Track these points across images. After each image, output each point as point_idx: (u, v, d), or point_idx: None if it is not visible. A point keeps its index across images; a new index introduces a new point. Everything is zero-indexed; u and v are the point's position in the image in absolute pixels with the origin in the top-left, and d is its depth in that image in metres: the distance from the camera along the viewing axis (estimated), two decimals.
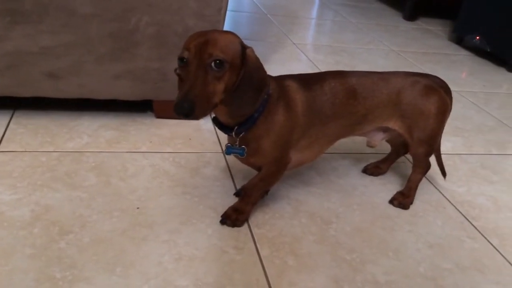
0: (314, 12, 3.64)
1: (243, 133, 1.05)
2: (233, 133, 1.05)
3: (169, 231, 1.12)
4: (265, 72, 1.02)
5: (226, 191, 1.29)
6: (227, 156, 1.43)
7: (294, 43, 2.67)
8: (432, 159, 1.37)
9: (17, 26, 1.32)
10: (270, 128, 1.06)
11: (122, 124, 1.56)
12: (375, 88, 1.18)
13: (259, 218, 1.21)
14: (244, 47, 0.97)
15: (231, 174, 1.37)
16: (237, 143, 1.07)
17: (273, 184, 1.20)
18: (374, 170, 1.46)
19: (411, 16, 3.61)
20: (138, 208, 1.18)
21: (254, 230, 1.16)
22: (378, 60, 2.61)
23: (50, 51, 1.37)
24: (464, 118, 2.00)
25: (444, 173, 1.40)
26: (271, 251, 1.10)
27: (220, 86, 0.93)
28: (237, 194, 1.27)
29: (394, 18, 3.65)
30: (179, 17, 1.41)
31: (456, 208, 1.37)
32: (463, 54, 2.96)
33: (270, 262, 1.07)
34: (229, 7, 3.27)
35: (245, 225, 1.17)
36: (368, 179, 1.45)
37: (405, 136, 1.24)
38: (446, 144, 1.73)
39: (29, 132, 1.43)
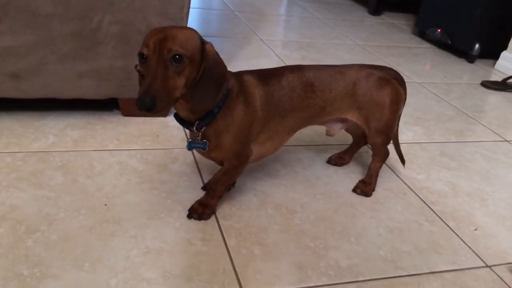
0: (281, 9, 3.69)
1: (204, 128, 1.08)
2: (194, 128, 1.08)
3: (137, 226, 1.14)
4: (225, 67, 1.04)
5: (194, 186, 1.32)
6: (194, 151, 1.46)
7: (262, 39, 2.71)
8: (392, 149, 1.43)
9: None
10: (229, 123, 1.08)
11: (88, 122, 1.56)
12: (331, 81, 1.22)
13: (226, 210, 1.24)
14: (203, 42, 0.99)
15: (198, 169, 1.40)
16: (199, 137, 1.09)
17: (236, 177, 1.23)
18: (337, 160, 1.51)
19: (375, 10, 3.70)
20: (105, 205, 1.19)
21: (222, 222, 1.19)
22: (344, 55, 2.67)
23: (12, 51, 1.36)
24: (425, 108, 2.07)
25: (403, 161, 1.46)
26: (238, 241, 1.14)
27: (180, 81, 0.95)
28: (204, 188, 1.30)
29: (359, 13, 3.73)
30: (142, 16, 1.42)
31: (416, 194, 1.43)
32: (426, 47, 3.06)
33: (236, 252, 1.10)
34: (197, 5, 3.28)
35: (213, 217, 1.20)
36: (332, 169, 1.50)
37: (363, 126, 1.29)
38: (408, 134, 1.80)
39: None
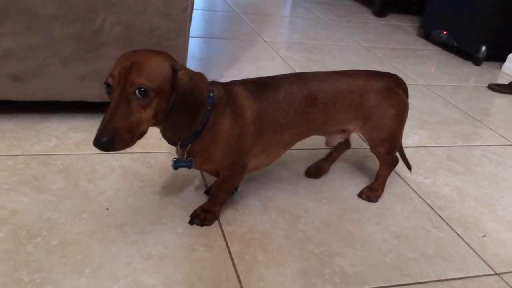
0: (285, 10, 3.67)
1: (189, 146, 1.04)
2: (178, 147, 1.04)
3: (139, 232, 1.12)
4: (201, 93, 0.96)
5: (196, 190, 1.30)
6: None
7: (266, 41, 2.69)
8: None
9: None
10: (216, 138, 1.03)
11: (91, 125, 1.55)
12: (337, 94, 1.16)
13: (230, 215, 1.22)
14: (175, 70, 0.92)
15: (201, 173, 1.38)
16: (185, 156, 1.05)
17: (234, 185, 1.21)
18: (316, 172, 1.42)
19: (380, 12, 3.67)
20: (107, 209, 1.17)
21: (225, 227, 1.17)
22: (349, 56, 2.64)
23: (13, 53, 1.35)
24: (431, 111, 2.05)
25: (409, 167, 1.43)
26: (241, 247, 1.12)
27: (146, 114, 0.90)
28: (207, 192, 1.28)
29: (364, 15, 3.71)
30: (144, 17, 1.41)
31: (422, 199, 1.40)
32: (431, 49, 3.03)
33: (240, 258, 1.08)
34: (201, 6, 3.27)
35: (216, 223, 1.18)
36: (337, 173, 1.47)
37: (365, 137, 1.26)
38: (414, 137, 1.78)
39: None
